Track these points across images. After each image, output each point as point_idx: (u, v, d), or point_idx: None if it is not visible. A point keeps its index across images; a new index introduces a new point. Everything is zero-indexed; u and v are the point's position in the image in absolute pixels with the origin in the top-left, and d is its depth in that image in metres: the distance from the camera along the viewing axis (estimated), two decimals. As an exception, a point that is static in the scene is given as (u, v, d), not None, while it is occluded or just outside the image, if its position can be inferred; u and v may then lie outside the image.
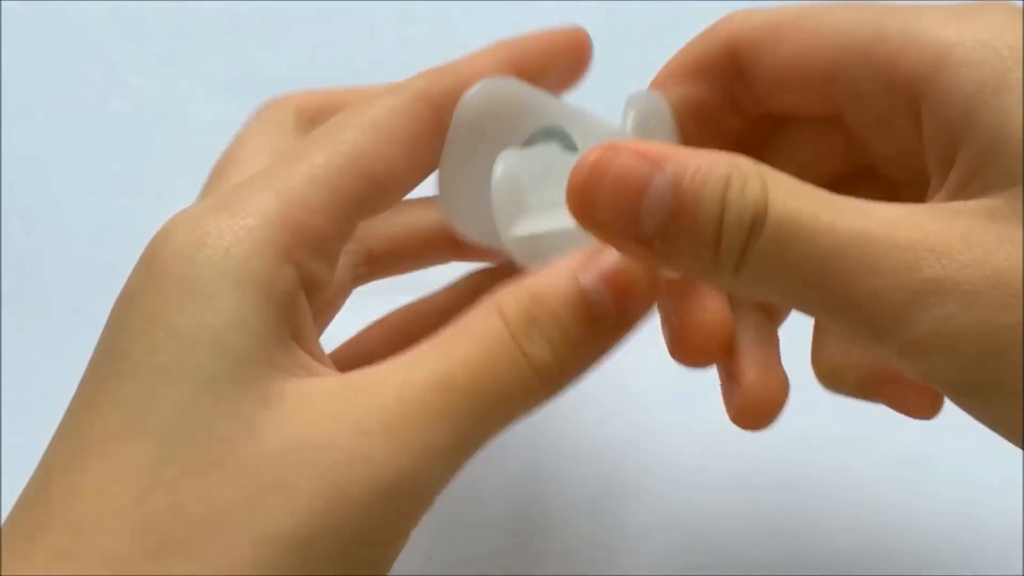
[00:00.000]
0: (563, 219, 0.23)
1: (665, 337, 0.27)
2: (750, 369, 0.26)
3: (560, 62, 0.27)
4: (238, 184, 0.23)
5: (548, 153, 0.26)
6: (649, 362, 0.31)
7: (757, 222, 0.20)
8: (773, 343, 0.27)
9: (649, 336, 0.30)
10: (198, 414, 0.20)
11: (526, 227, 0.25)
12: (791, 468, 0.35)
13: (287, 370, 0.21)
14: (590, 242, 0.23)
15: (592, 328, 0.22)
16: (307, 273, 0.22)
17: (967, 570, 0.33)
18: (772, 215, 0.20)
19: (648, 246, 0.21)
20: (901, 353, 0.21)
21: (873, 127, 0.25)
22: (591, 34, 0.28)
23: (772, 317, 0.28)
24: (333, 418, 0.21)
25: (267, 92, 0.40)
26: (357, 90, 0.28)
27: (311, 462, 0.20)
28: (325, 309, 0.29)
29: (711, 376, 0.32)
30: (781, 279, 0.21)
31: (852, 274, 0.20)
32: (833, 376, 0.28)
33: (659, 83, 0.27)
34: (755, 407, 0.26)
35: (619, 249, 0.22)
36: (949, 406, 0.30)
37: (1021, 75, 0.21)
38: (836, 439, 0.34)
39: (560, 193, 0.21)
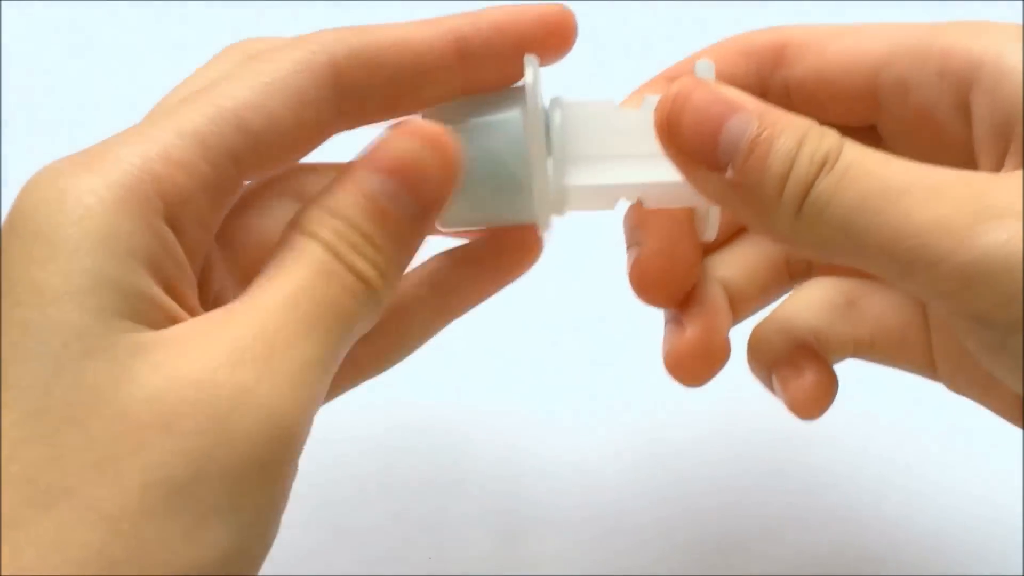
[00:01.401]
0: (641, 173, 0.24)
1: (627, 263, 0.28)
2: (698, 322, 0.28)
3: (523, 50, 0.26)
4: (108, 138, 0.23)
5: (601, 107, 0.25)
6: (647, 364, 0.31)
7: (830, 160, 0.22)
8: (728, 315, 0.29)
9: (647, 336, 0.30)
10: (68, 365, 0.20)
11: (588, 177, 0.25)
12: (791, 468, 0.35)
13: (156, 322, 0.21)
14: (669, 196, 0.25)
15: (391, 226, 0.23)
16: (177, 226, 0.22)
17: (967, 570, 0.33)
18: (845, 157, 0.22)
19: (721, 173, 0.23)
20: (952, 277, 0.21)
21: (909, 125, 0.26)
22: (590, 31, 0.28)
23: (738, 303, 0.29)
24: (205, 354, 0.20)
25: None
26: (396, 29, 0.26)
27: (191, 400, 0.20)
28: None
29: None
30: (841, 216, 0.22)
31: (917, 205, 0.21)
32: (756, 347, 0.29)
33: (688, 63, 0.27)
34: (689, 358, 0.28)
35: (693, 179, 0.24)
36: (944, 407, 0.30)
37: None
38: (836, 439, 0.34)
39: (624, 146, 0.24)
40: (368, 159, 0.23)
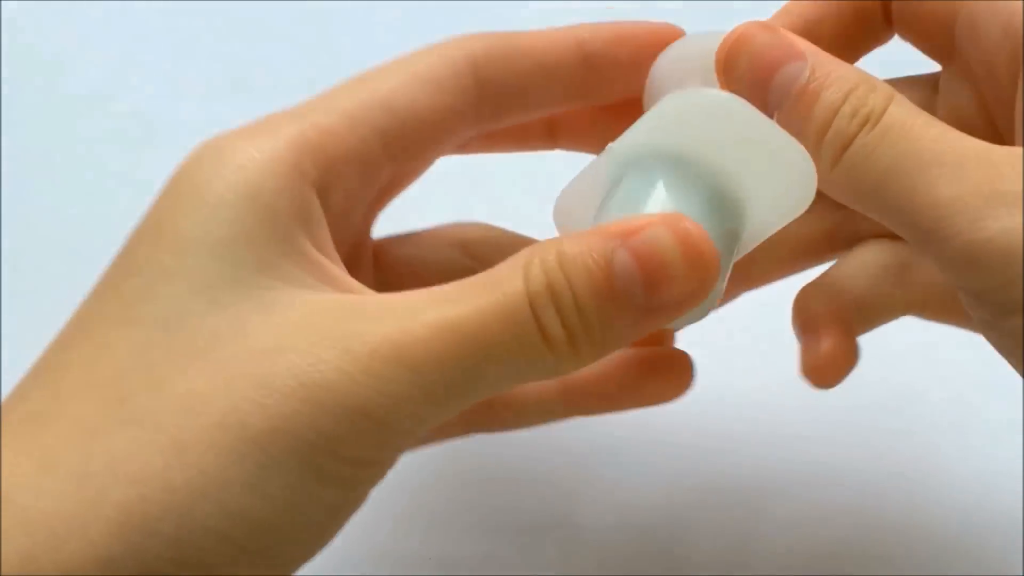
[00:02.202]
0: None
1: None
2: (832, 334, 0.28)
3: (640, 60, 0.27)
4: (270, 114, 0.25)
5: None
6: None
7: (872, 119, 0.23)
8: (852, 324, 0.29)
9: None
10: (193, 310, 0.21)
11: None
12: (790, 468, 0.35)
13: (292, 281, 0.22)
14: None
15: (613, 308, 0.21)
16: (324, 192, 0.23)
17: (967, 570, 0.33)
18: (887, 118, 0.23)
19: (770, 113, 0.23)
20: (960, 255, 0.22)
21: (976, 73, 0.26)
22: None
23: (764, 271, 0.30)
24: (323, 333, 0.21)
25: (267, 92, 0.40)
26: (526, 35, 0.27)
27: (292, 365, 0.21)
28: (393, 186, 0.29)
29: (709, 374, 0.32)
30: (874, 175, 0.23)
31: (942, 179, 0.22)
32: (797, 309, 0.29)
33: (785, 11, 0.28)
34: (829, 370, 0.28)
35: None
36: (944, 407, 0.30)
37: None
38: (836, 439, 0.34)
39: None
40: (624, 230, 0.21)
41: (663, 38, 0.27)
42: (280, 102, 0.40)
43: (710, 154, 0.23)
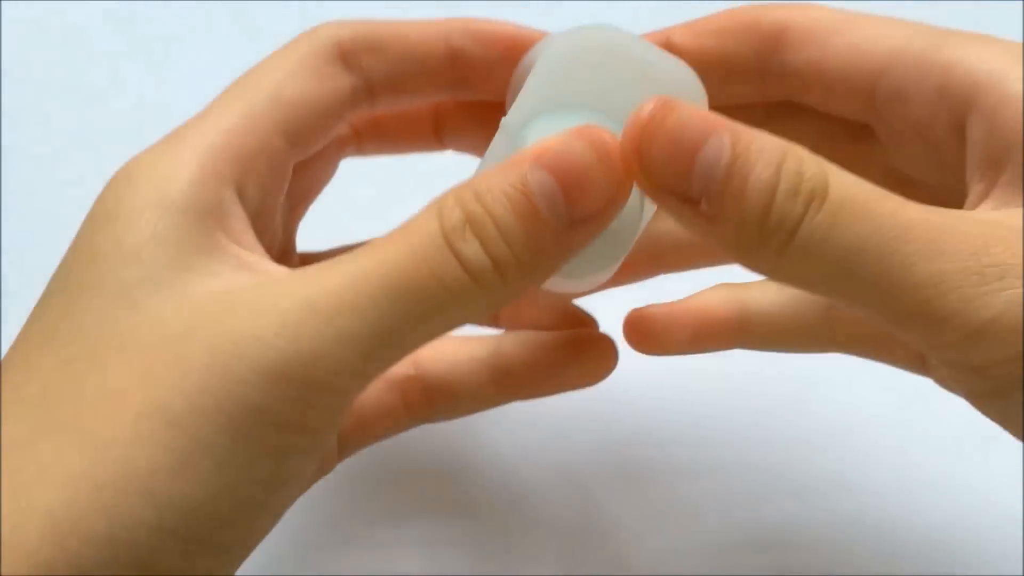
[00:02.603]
0: None
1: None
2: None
3: (505, 61, 0.27)
4: (176, 127, 0.25)
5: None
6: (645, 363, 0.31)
7: (817, 198, 0.21)
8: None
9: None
10: (109, 315, 0.22)
11: None
12: (790, 467, 0.35)
13: (209, 274, 0.22)
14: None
15: (538, 225, 0.21)
16: (240, 186, 0.24)
17: (967, 570, 0.33)
18: (834, 193, 0.21)
19: (694, 207, 0.21)
20: (960, 335, 0.21)
21: (904, 133, 0.26)
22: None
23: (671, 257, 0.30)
24: (237, 306, 0.21)
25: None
26: (393, 23, 0.28)
27: (204, 341, 0.21)
28: (304, 191, 0.30)
29: (708, 374, 0.32)
30: (833, 260, 0.21)
31: (916, 256, 0.20)
32: (691, 301, 0.30)
33: (700, 27, 0.27)
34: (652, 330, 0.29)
35: (666, 207, 0.22)
36: (944, 406, 0.30)
37: None
38: (835, 439, 0.34)
39: None
40: (535, 152, 0.21)
41: (528, 42, 0.27)
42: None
43: (603, 95, 0.24)
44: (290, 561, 0.33)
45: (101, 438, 0.20)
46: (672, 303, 0.30)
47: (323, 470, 0.28)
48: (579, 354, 0.29)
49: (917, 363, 0.29)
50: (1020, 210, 0.22)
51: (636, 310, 0.30)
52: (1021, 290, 0.20)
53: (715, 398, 0.35)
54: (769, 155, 0.21)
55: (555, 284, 0.25)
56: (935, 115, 0.25)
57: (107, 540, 0.20)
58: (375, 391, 0.28)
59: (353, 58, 0.27)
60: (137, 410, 0.20)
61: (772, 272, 0.22)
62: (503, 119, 0.24)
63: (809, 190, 0.21)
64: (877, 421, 0.35)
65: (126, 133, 0.40)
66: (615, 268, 0.25)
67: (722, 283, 0.30)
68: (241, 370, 0.20)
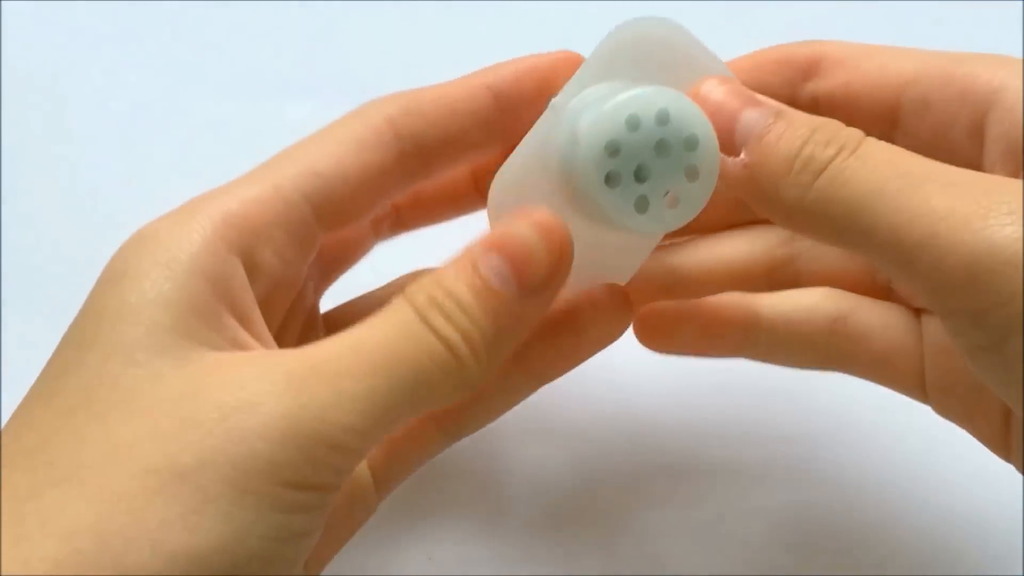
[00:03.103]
0: None
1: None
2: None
3: (546, 90, 0.28)
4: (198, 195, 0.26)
5: None
6: (641, 357, 0.31)
7: (847, 149, 0.23)
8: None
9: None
10: (110, 371, 0.22)
11: None
12: (789, 466, 0.35)
13: (212, 344, 0.23)
14: None
15: (492, 299, 0.24)
16: (248, 258, 0.25)
17: (967, 570, 0.33)
18: (865, 146, 0.23)
19: (736, 155, 0.24)
20: (960, 268, 0.21)
21: (925, 142, 0.27)
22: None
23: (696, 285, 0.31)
24: (241, 374, 0.22)
25: (267, 92, 0.40)
26: (435, 87, 0.28)
27: (214, 399, 0.21)
28: (333, 266, 0.30)
29: (706, 374, 0.32)
30: (858, 196, 0.22)
31: (936, 193, 0.22)
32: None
33: (735, 66, 0.29)
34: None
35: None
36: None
37: None
38: (836, 438, 0.34)
39: None
40: (483, 238, 0.24)
41: (563, 66, 0.28)
42: (279, 102, 0.40)
43: (649, 76, 0.26)
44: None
45: (108, 491, 0.20)
46: (684, 301, 0.30)
47: (368, 510, 0.28)
48: (591, 309, 0.29)
49: (916, 387, 0.29)
50: None
51: (649, 306, 0.30)
52: (1011, 228, 0.21)
53: (726, 397, 0.35)
54: (809, 120, 0.24)
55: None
56: (956, 119, 0.26)
57: None
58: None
59: (403, 126, 0.27)
60: (145, 464, 0.20)
61: (793, 212, 0.24)
62: (551, 100, 0.26)
63: (841, 142, 0.23)
64: (878, 420, 0.35)
65: (126, 134, 0.40)
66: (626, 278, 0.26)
67: (733, 292, 0.30)
68: (251, 426, 0.21)
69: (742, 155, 0.24)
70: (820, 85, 0.28)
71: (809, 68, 0.28)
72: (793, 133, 0.24)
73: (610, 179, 0.24)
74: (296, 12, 0.42)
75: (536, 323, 0.25)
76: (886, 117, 0.27)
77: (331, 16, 0.42)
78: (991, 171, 0.25)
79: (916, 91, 0.27)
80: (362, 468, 0.28)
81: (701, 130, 0.24)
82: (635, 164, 0.24)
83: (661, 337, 0.31)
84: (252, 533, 0.21)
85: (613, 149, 0.24)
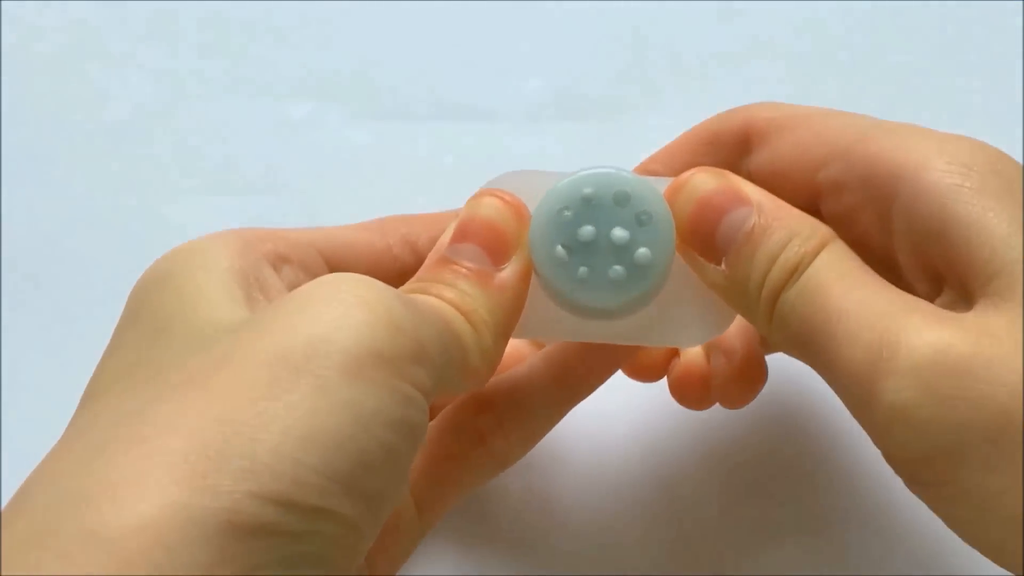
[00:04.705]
0: None
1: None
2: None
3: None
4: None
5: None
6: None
7: (799, 269, 0.23)
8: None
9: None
10: (197, 341, 0.22)
11: None
12: (789, 467, 0.34)
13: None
14: None
15: (476, 280, 0.25)
16: (276, 260, 0.26)
17: (967, 570, 0.33)
18: (813, 266, 0.23)
19: (718, 262, 0.25)
20: (874, 422, 0.22)
21: (843, 222, 0.27)
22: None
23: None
24: (340, 283, 0.23)
25: (267, 92, 0.40)
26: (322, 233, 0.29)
27: (311, 312, 0.21)
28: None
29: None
30: (797, 330, 0.23)
31: (845, 340, 0.22)
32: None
33: (671, 149, 0.30)
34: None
35: (692, 266, 0.26)
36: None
37: (995, 186, 0.23)
38: (836, 438, 0.34)
39: None
40: (446, 235, 0.26)
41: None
42: (280, 102, 0.40)
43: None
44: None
45: (223, 387, 0.20)
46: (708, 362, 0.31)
47: (412, 540, 0.28)
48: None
49: None
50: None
51: (679, 376, 0.31)
52: (911, 390, 0.21)
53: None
54: (784, 227, 0.24)
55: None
56: (865, 208, 0.26)
57: (249, 475, 0.19)
58: (444, 442, 0.29)
59: (404, 239, 0.29)
60: (255, 361, 0.20)
61: (769, 336, 0.25)
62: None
63: (795, 262, 0.24)
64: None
65: (126, 134, 0.40)
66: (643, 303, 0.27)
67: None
68: (363, 315, 0.21)
69: (722, 265, 0.25)
70: (752, 161, 0.28)
71: (739, 142, 0.29)
72: (769, 248, 0.24)
73: (560, 249, 0.25)
74: (296, 12, 0.42)
75: (522, 297, 0.26)
76: (810, 194, 0.27)
77: (331, 16, 0.42)
78: (903, 264, 0.25)
79: (828, 174, 0.26)
80: (405, 496, 0.28)
81: (655, 208, 0.25)
82: (585, 238, 0.25)
83: (707, 401, 0.31)
84: (374, 419, 0.20)
85: (564, 220, 0.25)
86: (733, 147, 0.29)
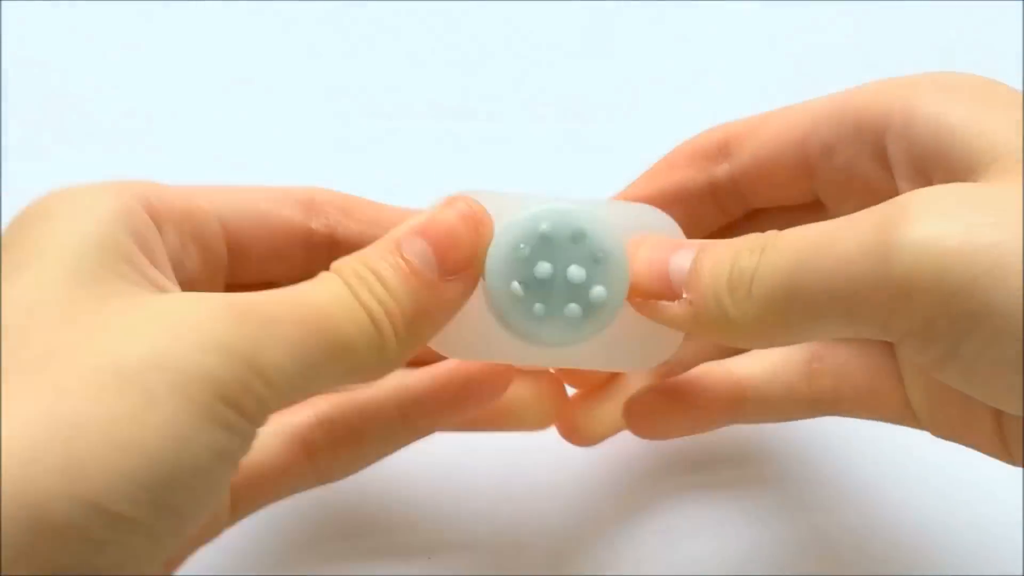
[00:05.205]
0: None
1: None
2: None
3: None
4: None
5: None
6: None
7: (767, 246, 0.24)
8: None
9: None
10: (52, 294, 0.22)
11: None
12: (789, 468, 0.35)
13: (142, 287, 0.24)
14: None
15: (412, 282, 0.25)
16: (157, 220, 0.26)
17: (967, 570, 0.33)
18: (778, 237, 0.24)
19: (678, 297, 0.25)
20: (884, 303, 0.22)
21: (840, 184, 0.28)
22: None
23: None
24: (184, 299, 0.23)
25: (267, 92, 0.40)
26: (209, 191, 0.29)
27: (156, 317, 0.22)
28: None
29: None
30: (787, 284, 0.23)
31: (839, 242, 0.22)
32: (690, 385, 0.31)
33: (652, 172, 0.30)
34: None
35: (660, 317, 0.26)
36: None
37: (983, 94, 0.24)
38: (836, 438, 0.34)
39: None
40: (409, 223, 0.25)
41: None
42: (279, 102, 0.40)
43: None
44: None
45: (60, 384, 0.20)
46: (667, 388, 0.31)
47: (213, 532, 0.28)
48: (489, 381, 0.30)
49: (907, 414, 0.29)
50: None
51: (632, 399, 0.31)
52: (933, 222, 0.21)
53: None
54: (728, 242, 0.25)
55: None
56: (859, 152, 0.27)
57: (64, 473, 0.19)
58: (273, 446, 0.29)
59: (319, 207, 0.29)
60: (93, 363, 0.21)
61: (759, 329, 0.24)
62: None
63: (761, 244, 0.24)
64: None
65: (126, 134, 0.40)
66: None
67: (708, 363, 0.31)
68: (194, 339, 0.21)
69: (684, 294, 0.25)
70: (733, 164, 0.29)
71: (719, 152, 0.29)
72: (719, 256, 0.24)
73: (517, 285, 0.25)
74: (296, 12, 0.42)
75: (455, 310, 0.26)
76: (800, 172, 0.28)
77: (331, 16, 0.42)
78: (905, 191, 0.25)
79: (816, 140, 0.27)
80: (218, 505, 0.28)
81: (611, 246, 0.26)
82: (542, 275, 0.25)
83: (652, 428, 0.31)
84: (194, 440, 0.21)
85: (521, 257, 0.25)
86: (711, 158, 0.30)
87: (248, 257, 0.28)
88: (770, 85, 0.40)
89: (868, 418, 0.30)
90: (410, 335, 0.24)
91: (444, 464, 0.35)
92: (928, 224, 0.21)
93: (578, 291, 0.25)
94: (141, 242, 0.24)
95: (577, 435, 0.32)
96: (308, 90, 0.41)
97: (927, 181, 0.25)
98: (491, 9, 0.42)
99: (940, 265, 0.21)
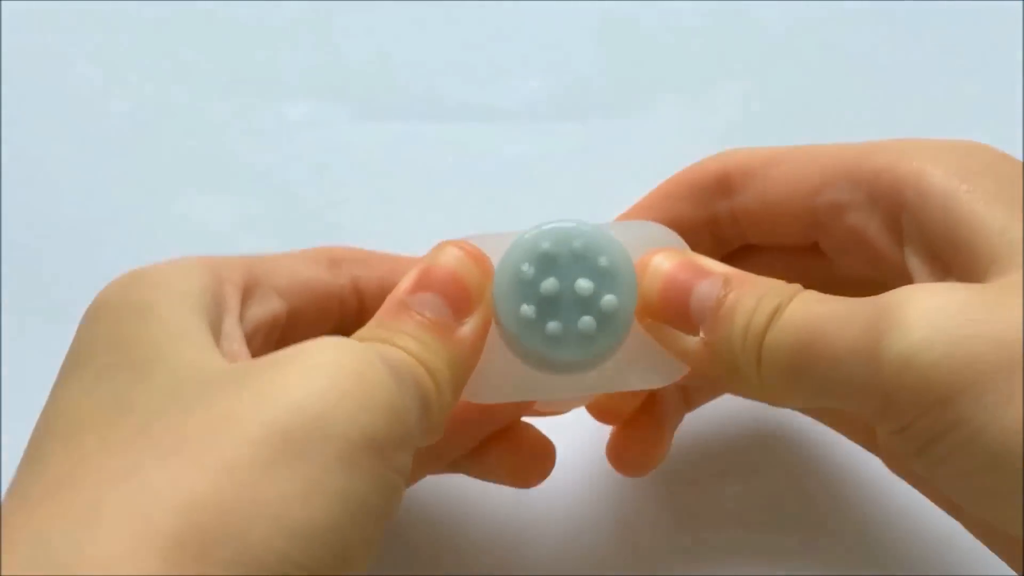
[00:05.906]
0: None
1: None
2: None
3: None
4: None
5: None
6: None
7: (779, 310, 0.24)
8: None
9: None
10: (186, 378, 0.22)
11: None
12: (789, 468, 0.35)
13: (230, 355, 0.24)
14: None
15: (436, 332, 0.24)
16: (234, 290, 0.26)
17: (967, 570, 0.33)
18: (791, 304, 0.24)
19: (695, 333, 0.25)
20: (875, 400, 0.22)
21: (847, 242, 0.28)
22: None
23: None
24: (312, 364, 0.22)
25: (267, 92, 0.40)
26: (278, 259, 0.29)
27: (301, 384, 0.21)
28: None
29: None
30: (787, 361, 0.23)
31: (835, 335, 0.23)
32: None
33: (648, 202, 0.30)
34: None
35: (669, 345, 0.26)
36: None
37: (990, 183, 0.24)
38: (836, 439, 0.34)
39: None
40: (405, 281, 0.25)
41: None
42: (279, 102, 0.40)
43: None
44: None
45: (221, 462, 0.19)
46: (639, 428, 0.31)
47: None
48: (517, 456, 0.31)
49: (867, 440, 0.30)
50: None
51: (610, 446, 0.31)
52: (919, 332, 0.21)
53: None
54: (755, 287, 0.24)
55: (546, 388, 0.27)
56: (870, 220, 0.27)
57: (235, 565, 0.19)
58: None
59: (344, 265, 0.29)
60: (255, 435, 0.20)
61: (761, 390, 0.24)
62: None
63: (774, 306, 0.24)
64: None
65: (126, 134, 0.40)
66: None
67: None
68: (365, 402, 0.21)
69: (701, 333, 0.25)
70: (736, 201, 0.29)
71: (719, 186, 0.29)
72: (744, 305, 0.24)
73: (527, 308, 0.25)
74: (296, 12, 0.42)
75: (479, 351, 0.25)
76: (806, 223, 0.28)
77: (331, 16, 0.42)
78: (915, 272, 0.26)
79: (827, 197, 0.27)
80: None
81: (616, 255, 0.25)
82: (550, 291, 0.25)
83: (638, 471, 0.32)
84: (361, 512, 0.20)
85: (526, 278, 0.25)
86: (712, 192, 0.29)
87: (297, 323, 0.28)
88: (770, 86, 0.40)
89: (836, 431, 0.31)
90: (455, 388, 0.24)
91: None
92: (914, 333, 0.21)
93: (589, 303, 0.25)
94: (231, 326, 0.24)
95: (630, 467, 0.32)
96: (308, 90, 0.41)
97: (937, 261, 0.25)
98: (492, 9, 0.42)
99: (922, 378, 0.21)
